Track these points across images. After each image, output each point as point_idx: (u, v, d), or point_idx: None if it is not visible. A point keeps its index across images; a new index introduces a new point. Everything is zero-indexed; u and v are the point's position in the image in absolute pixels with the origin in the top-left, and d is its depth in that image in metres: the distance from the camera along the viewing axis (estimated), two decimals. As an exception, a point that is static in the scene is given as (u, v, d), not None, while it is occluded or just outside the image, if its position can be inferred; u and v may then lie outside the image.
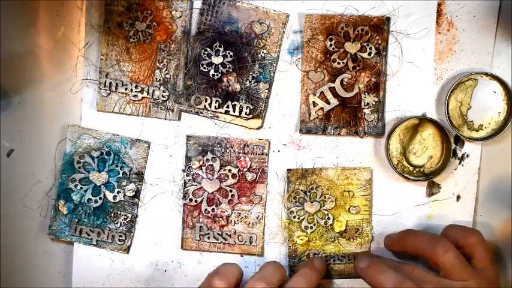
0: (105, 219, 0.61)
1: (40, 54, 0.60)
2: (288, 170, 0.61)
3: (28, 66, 0.60)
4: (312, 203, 0.60)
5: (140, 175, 0.61)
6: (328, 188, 0.60)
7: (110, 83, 0.60)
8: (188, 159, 0.61)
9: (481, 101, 0.60)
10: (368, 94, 0.59)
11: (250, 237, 0.61)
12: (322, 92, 0.60)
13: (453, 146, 0.60)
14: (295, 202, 0.61)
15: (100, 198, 0.61)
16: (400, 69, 0.60)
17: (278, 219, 0.61)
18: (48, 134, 0.61)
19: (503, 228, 0.62)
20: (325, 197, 0.60)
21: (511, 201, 0.61)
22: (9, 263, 0.62)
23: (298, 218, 0.61)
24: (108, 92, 0.60)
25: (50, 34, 0.60)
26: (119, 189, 0.61)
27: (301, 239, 0.60)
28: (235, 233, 0.61)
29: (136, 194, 0.61)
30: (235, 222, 0.61)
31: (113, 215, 0.61)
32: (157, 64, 0.60)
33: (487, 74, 0.59)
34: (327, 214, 0.60)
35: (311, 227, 0.61)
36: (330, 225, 0.60)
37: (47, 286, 0.63)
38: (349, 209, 0.61)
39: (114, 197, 0.61)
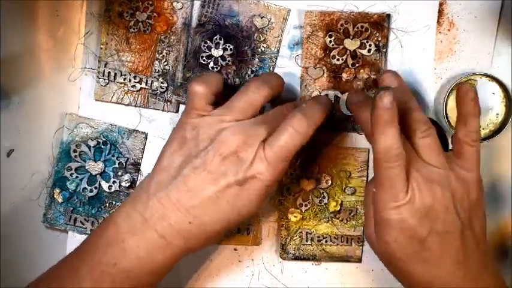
0: (100, 209, 0.61)
1: (40, 54, 0.60)
2: None
3: (28, 66, 0.60)
4: (308, 180, 0.60)
5: (136, 166, 0.61)
6: (325, 166, 0.60)
7: (109, 72, 0.60)
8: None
9: (480, 101, 0.59)
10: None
11: (248, 228, 0.61)
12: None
13: (451, 146, 0.60)
14: (291, 178, 0.60)
15: (95, 187, 0.61)
16: (400, 69, 0.59)
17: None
18: (46, 130, 0.61)
19: (503, 228, 0.62)
20: (321, 175, 0.60)
21: (511, 201, 0.61)
22: (7, 254, 0.61)
23: (294, 195, 0.60)
24: (107, 81, 0.60)
25: (50, 34, 0.60)
26: (115, 179, 0.61)
27: (294, 216, 0.60)
28: None
29: (132, 184, 0.61)
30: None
31: (108, 204, 0.61)
32: (157, 55, 0.60)
33: (486, 75, 0.59)
34: (323, 193, 0.60)
35: (306, 205, 0.60)
36: (325, 204, 0.60)
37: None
38: (345, 189, 0.60)
39: (110, 187, 0.61)
